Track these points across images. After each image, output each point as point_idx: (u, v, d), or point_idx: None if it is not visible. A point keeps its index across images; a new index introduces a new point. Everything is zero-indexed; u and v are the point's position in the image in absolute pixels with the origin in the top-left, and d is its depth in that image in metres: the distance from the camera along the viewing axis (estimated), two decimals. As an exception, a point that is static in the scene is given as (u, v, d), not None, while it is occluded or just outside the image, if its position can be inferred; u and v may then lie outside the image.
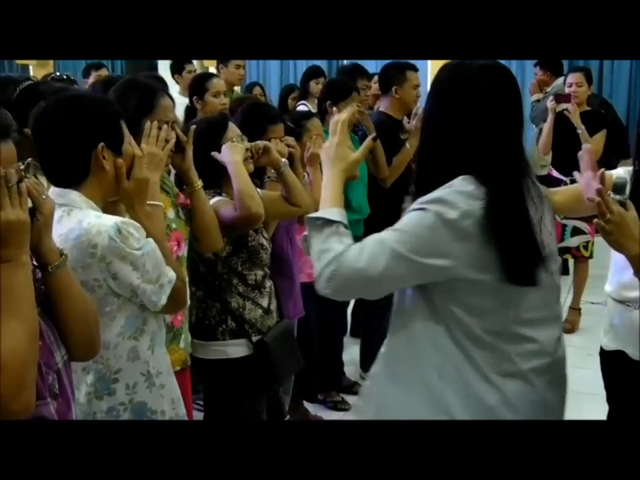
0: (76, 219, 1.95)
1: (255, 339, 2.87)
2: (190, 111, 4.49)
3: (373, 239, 1.83)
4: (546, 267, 1.84)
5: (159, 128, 2.37)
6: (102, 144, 1.99)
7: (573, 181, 2.40)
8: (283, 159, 3.02)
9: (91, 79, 5.57)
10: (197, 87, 4.41)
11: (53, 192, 1.99)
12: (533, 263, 1.82)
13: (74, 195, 1.99)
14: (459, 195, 1.77)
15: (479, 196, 1.77)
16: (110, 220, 1.95)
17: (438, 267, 1.77)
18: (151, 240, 2.03)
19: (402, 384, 1.92)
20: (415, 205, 1.82)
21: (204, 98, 4.33)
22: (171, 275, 2.09)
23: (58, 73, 4.51)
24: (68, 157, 1.99)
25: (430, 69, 10.56)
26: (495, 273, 1.78)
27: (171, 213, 2.56)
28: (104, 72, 5.95)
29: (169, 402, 2.18)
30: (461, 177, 1.80)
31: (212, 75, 4.65)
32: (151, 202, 2.24)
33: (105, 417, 2.06)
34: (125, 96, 2.48)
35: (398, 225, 1.83)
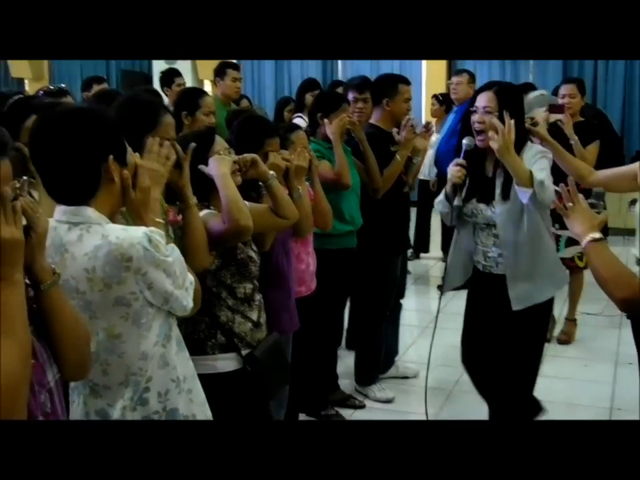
0: (99, 234, 1.94)
1: (244, 352, 2.85)
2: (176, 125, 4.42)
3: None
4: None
5: (161, 145, 2.38)
6: (111, 156, 1.98)
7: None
8: (271, 172, 3.02)
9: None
10: (188, 103, 4.26)
11: (66, 211, 1.98)
12: None
13: (89, 212, 1.97)
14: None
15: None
16: (138, 231, 1.96)
17: None
18: (174, 245, 2.07)
19: None
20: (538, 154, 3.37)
21: (195, 115, 4.20)
22: (191, 276, 2.13)
23: (52, 87, 4.45)
24: (78, 172, 1.96)
25: (425, 73, 10.59)
26: None
27: (160, 231, 2.56)
28: (105, 85, 5.91)
29: (198, 405, 2.21)
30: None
31: (204, 92, 4.53)
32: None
33: None
34: (128, 112, 2.50)
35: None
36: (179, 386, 2.13)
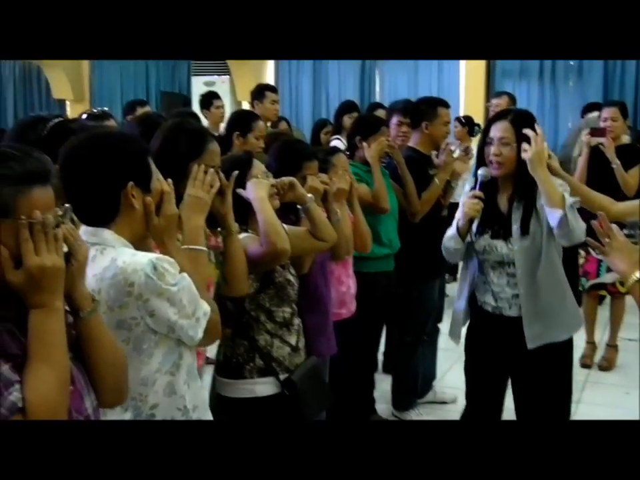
0: (110, 257, 1.95)
1: (282, 377, 2.84)
2: (223, 144, 4.46)
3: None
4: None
5: (205, 172, 2.39)
6: (131, 183, 1.98)
7: None
8: (309, 195, 3.03)
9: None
10: (241, 124, 4.37)
11: (86, 231, 1.99)
12: None
13: (107, 234, 1.99)
14: None
15: None
16: (145, 257, 1.95)
17: None
18: (185, 274, 2.04)
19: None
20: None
21: (247, 137, 4.31)
22: (206, 307, 2.10)
23: (95, 110, 4.51)
24: (97, 196, 1.99)
25: (463, 96, 10.55)
26: None
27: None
28: (148, 109, 5.99)
29: None
30: None
31: (257, 116, 4.61)
32: (195, 247, 2.26)
33: None
34: (174, 138, 2.53)
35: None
36: (185, 414, 2.11)
